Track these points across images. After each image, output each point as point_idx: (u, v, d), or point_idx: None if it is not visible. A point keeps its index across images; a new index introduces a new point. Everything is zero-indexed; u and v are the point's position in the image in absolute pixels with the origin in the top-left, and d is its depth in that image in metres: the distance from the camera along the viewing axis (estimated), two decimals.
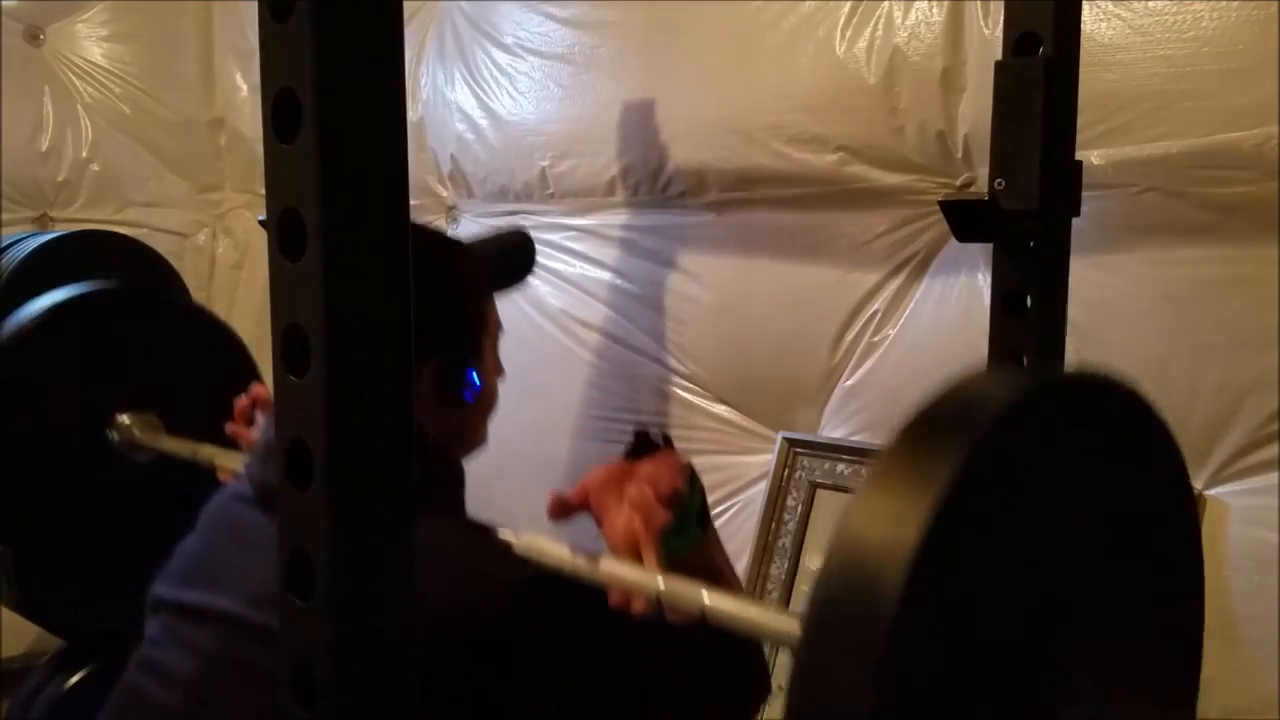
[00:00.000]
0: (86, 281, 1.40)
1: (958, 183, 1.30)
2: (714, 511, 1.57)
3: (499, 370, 1.02)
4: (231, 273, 2.45)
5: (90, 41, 2.32)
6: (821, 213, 1.43)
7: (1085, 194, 1.00)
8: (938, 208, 1.03)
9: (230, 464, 1.18)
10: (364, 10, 0.50)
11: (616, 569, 0.77)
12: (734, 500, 1.55)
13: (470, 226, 1.95)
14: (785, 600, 1.45)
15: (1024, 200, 0.94)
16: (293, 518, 0.54)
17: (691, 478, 0.88)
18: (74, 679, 1.70)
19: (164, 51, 2.40)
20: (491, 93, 1.84)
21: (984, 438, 0.45)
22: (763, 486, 1.51)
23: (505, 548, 0.82)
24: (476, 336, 0.97)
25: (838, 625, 0.44)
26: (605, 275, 1.69)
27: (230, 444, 1.20)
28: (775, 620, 0.67)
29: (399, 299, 0.53)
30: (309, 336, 0.51)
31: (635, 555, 0.79)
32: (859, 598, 0.43)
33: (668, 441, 0.91)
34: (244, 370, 1.45)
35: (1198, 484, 1.15)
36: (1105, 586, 0.55)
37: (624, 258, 1.67)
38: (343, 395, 0.52)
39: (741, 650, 0.88)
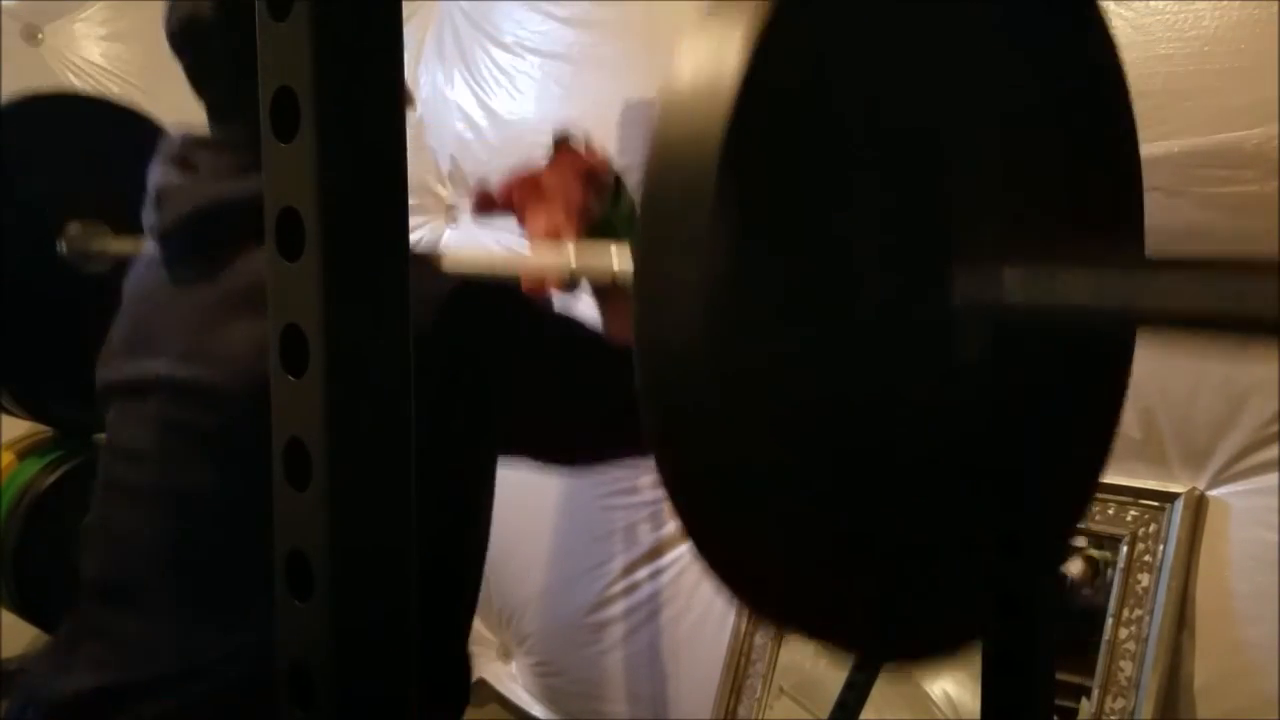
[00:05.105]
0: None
1: None
2: None
3: (409, 99, 0.99)
4: None
5: (89, 40, 2.31)
6: None
7: None
8: None
9: None
10: (363, 9, 0.50)
11: (535, 257, 0.74)
12: None
13: (471, 227, 1.95)
14: None
15: None
16: (290, 519, 0.54)
17: (618, 183, 0.87)
18: None
19: (163, 51, 2.37)
20: (491, 92, 1.84)
21: None
22: None
23: (429, 265, 0.80)
24: None
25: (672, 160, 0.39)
26: None
27: None
28: None
29: (398, 299, 0.53)
30: (307, 337, 0.51)
31: (557, 240, 0.77)
32: (696, 105, 0.38)
33: (589, 146, 0.90)
34: None
35: (1200, 484, 1.15)
36: (1009, 125, 0.50)
37: None
38: (341, 396, 0.51)
39: None
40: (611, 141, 1.62)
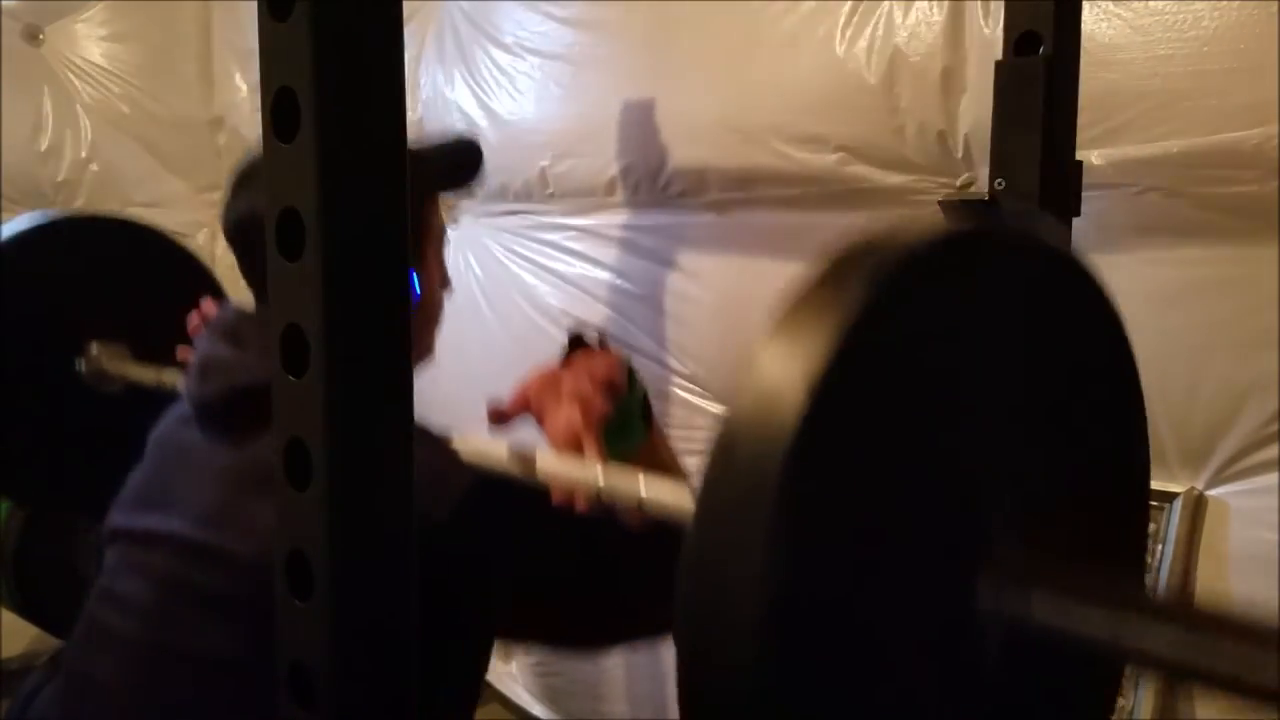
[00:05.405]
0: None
1: (958, 183, 1.30)
2: None
3: (444, 281, 0.99)
4: (231, 272, 2.45)
5: (89, 41, 2.32)
6: (821, 213, 1.43)
7: (1085, 194, 1.00)
8: (938, 208, 1.03)
9: None
10: (363, 10, 0.50)
11: (557, 466, 0.76)
12: None
13: (471, 226, 1.95)
14: None
15: (1024, 200, 0.94)
16: (291, 518, 0.54)
17: (631, 374, 0.88)
18: None
19: (163, 51, 2.40)
20: (491, 92, 1.84)
21: (885, 281, 0.44)
22: None
23: (450, 453, 0.81)
24: (418, 239, 0.94)
25: (730, 482, 0.42)
26: (605, 275, 1.69)
27: None
28: None
29: (398, 299, 0.53)
30: (307, 337, 0.51)
31: (577, 449, 0.78)
32: (752, 444, 0.41)
33: (602, 342, 0.91)
34: (206, 292, 1.44)
35: (1198, 484, 1.15)
36: (1033, 442, 0.54)
37: (624, 258, 1.67)
38: (341, 396, 0.52)
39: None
40: (611, 142, 1.63)
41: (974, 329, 0.50)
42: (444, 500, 0.77)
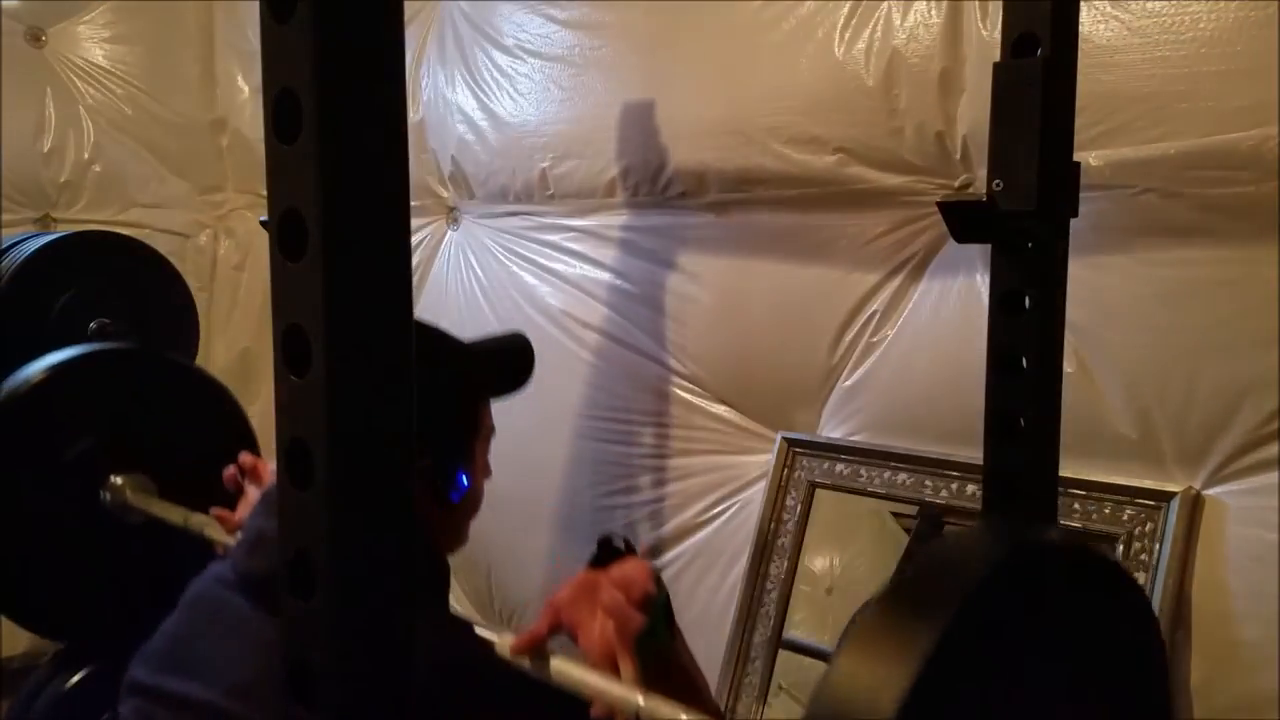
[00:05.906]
0: (87, 342, 1.42)
1: (956, 184, 1.30)
2: (714, 511, 1.58)
3: (487, 472, 1.02)
4: (233, 273, 2.46)
5: (92, 43, 2.32)
6: (821, 213, 1.43)
7: (1083, 195, 1.00)
8: (936, 209, 1.03)
9: (221, 538, 1.18)
10: (365, 11, 0.51)
11: (596, 680, 0.78)
12: (734, 500, 1.56)
13: (471, 228, 1.95)
14: (785, 598, 1.45)
15: (1022, 201, 0.94)
16: (293, 518, 0.55)
17: (656, 579, 0.89)
18: (74, 679, 1.71)
19: (166, 53, 2.41)
20: (492, 94, 1.84)
21: (960, 610, 0.48)
22: (762, 486, 1.51)
23: (486, 647, 0.83)
24: (469, 438, 0.97)
25: None
26: (605, 276, 1.70)
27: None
28: None
29: (399, 299, 0.54)
30: (309, 337, 0.51)
31: (612, 664, 0.80)
32: None
33: (629, 547, 0.92)
34: (238, 430, 1.46)
35: (1196, 484, 1.15)
36: None
37: (624, 258, 1.67)
38: (343, 396, 0.52)
39: None
40: (611, 143, 1.63)
41: (1033, 646, 0.54)
42: (474, 689, 0.80)
